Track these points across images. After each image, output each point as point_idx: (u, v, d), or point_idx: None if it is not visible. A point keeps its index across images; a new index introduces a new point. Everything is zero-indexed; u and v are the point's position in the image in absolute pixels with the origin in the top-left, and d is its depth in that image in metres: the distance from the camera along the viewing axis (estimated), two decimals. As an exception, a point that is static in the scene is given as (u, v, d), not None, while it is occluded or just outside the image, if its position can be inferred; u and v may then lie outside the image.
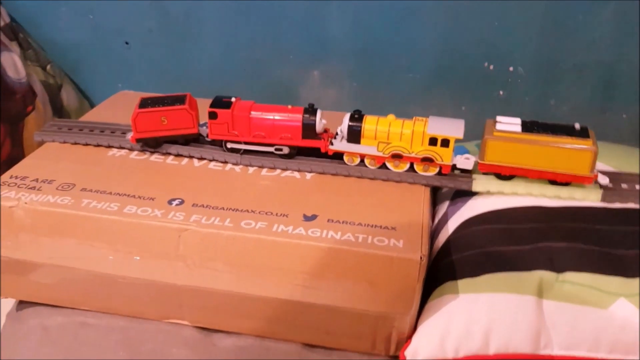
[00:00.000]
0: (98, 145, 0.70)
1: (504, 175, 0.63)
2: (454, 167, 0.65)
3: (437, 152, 0.63)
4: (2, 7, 0.99)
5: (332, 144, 0.66)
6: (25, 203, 0.59)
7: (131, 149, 0.70)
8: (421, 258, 0.54)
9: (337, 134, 0.67)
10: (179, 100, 0.67)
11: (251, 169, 0.67)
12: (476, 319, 0.54)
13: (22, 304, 0.66)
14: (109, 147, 0.70)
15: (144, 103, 0.67)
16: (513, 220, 0.60)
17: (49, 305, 0.65)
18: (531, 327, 0.53)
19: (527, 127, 0.62)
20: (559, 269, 0.55)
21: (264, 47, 1.01)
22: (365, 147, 0.65)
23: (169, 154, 0.69)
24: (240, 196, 0.62)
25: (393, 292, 0.55)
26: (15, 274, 0.63)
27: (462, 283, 0.56)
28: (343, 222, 0.58)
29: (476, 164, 0.64)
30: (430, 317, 0.56)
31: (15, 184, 0.62)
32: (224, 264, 0.58)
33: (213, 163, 0.68)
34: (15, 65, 0.92)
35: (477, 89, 0.97)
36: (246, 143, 0.67)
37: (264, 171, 0.67)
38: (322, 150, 0.67)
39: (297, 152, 0.68)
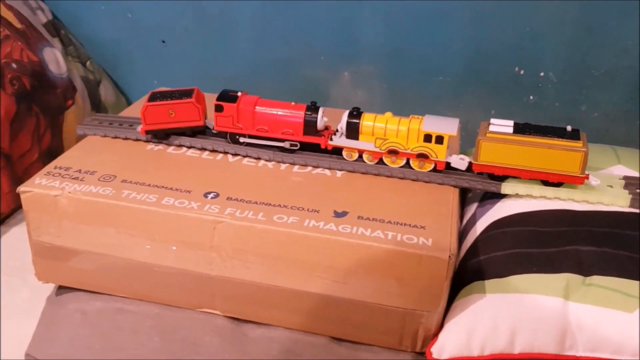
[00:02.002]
0: (137, 140, 0.72)
1: (497, 175, 0.65)
2: (448, 165, 0.67)
3: (432, 148, 0.65)
4: (44, 4, 1.03)
5: (331, 139, 0.68)
6: (69, 192, 0.62)
7: (168, 144, 0.72)
8: (449, 257, 0.55)
9: (337, 130, 0.70)
10: (187, 94, 0.70)
11: (283, 166, 0.69)
12: (502, 318, 0.55)
13: (61, 289, 0.69)
14: (147, 141, 0.72)
15: (153, 97, 0.70)
16: (541, 223, 0.61)
17: (87, 291, 0.67)
18: (557, 328, 0.54)
19: (519, 128, 0.64)
20: (586, 272, 0.56)
21: (296, 47, 1.03)
22: (363, 143, 0.67)
23: (205, 149, 0.71)
24: (273, 191, 0.64)
25: (421, 290, 0.56)
26: (56, 260, 0.66)
27: (489, 283, 0.57)
28: (373, 220, 0.59)
29: (470, 164, 0.66)
30: (457, 315, 0.57)
31: (60, 174, 0.65)
32: (256, 256, 0.60)
33: (247, 159, 0.70)
34: (57, 61, 0.95)
35: (507, 94, 0.97)
36: (250, 136, 0.70)
37: (296, 168, 0.69)
38: (322, 147, 0.69)
39: (299, 147, 0.70)
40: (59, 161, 0.67)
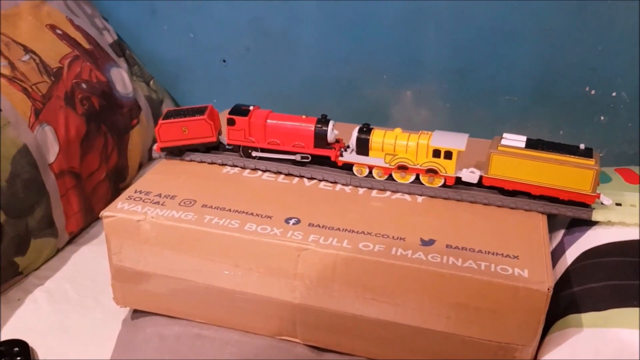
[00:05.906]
0: (212, 163, 0.72)
1: (507, 189, 0.64)
2: (458, 179, 0.66)
3: (441, 164, 0.65)
4: (109, 25, 1.04)
5: (342, 155, 0.69)
6: (152, 217, 0.62)
7: (244, 167, 0.72)
8: (549, 289, 0.53)
9: (347, 146, 0.70)
10: (200, 111, 0.71)
11: (361, 190, 0.68)
12: (604, 355, 0.52)
13: (137, 312, 0.68)
14: (223, 165, 0.72)
15: (168, 115, 0.71)
16: (638, 253, 0.59)
17: (164, 315, 0.67)
18: (661, 366, 0.51)
19: (532, 143, 0.64)
20: (690, 306, 0.53)
21: (358, 66, 1.02)
22: (372, 159, 0.68)
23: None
24: (354, 217, 0.63)
25: (516, 323, 0.54)
26: (135, 284, 0.65)
27: (586, 317, 0.55)
28: (462, 249, 0.58)
29: (481, 177, 0.65)
30: (553, 350, 0.55)
31: (141, 198, 0.65)
32: (342, 284, 0.58)
33: (323, 183, 0.69)
34: (123, 81, 0.96)
35: (576, 114, 0.95)
36: (262, 150, 0.70)
37: (374, 192, 0.68)
38: (332, 159, 0.69)
39: (310, 161, 0.70)
40: (139, 185, 0.67)
